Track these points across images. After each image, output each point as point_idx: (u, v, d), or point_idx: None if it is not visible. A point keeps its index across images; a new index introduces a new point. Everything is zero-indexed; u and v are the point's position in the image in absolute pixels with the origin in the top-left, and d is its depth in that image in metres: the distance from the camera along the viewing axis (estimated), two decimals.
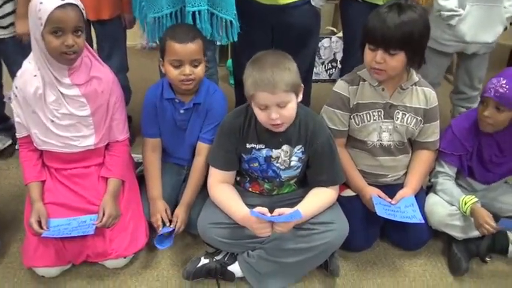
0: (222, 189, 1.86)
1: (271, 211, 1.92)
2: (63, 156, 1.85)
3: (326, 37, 3.50)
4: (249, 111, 1.83)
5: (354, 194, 2.04)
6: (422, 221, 1.89)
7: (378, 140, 1.98)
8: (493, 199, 2.12)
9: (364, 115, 1.96)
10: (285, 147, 1.82)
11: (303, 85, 1.76)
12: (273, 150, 1.83)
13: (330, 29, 3.65)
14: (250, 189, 1.98)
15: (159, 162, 2.07)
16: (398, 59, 1.80)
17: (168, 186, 2.06)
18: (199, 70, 1.89)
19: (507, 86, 1.81)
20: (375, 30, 1.76)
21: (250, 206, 1.84)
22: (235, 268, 1.85)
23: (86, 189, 1.88)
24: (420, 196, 2.04)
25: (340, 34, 3.57)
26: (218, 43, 2.26)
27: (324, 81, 3.49)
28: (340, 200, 1.95)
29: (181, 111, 2.00)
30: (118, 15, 2.34)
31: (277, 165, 1.85)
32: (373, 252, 2.07)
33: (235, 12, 2.04)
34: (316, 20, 2.34)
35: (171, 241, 1.86)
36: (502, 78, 1.83)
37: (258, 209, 1.68)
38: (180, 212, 1.93)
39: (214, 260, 1.86)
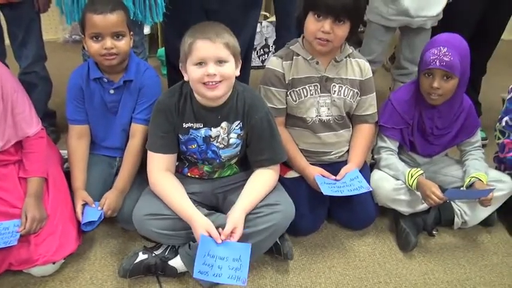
0: (164, 179, 1.72)
1: (212, 198, 1.83)
2: None
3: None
4: (183, 89, 1.73)
5: (297, 175, 1.97)
6: (370, 189, 1.86)
7: (316, 116, 1.93)
8: (436, 172, 2.12)
9: (301, 90, 1.90)
10: (224, 124, 1.73)
11: (241, 61, 1.69)
12: (212, 128, 1.73)
13: (262, 14, 3.56)
14: (189, 174, 1.85)
15: (85, 150, 1.91)
16: (344, 29, 1.76)
17: (98, 181, 1.89)
18: (123, 44, 1.76)
19: (450, 53, 1.79)
20: None
21: (191, 194, 1.76)
22: (176, 262, 1.72)
23: (6, 191, 1.69)
24: (365, 173, 2.00)
25: (272, 19, 3.50)
26: (145, 31, 2.12)
27: (258, 67, 3.41)
28: (284, 182, 1.90)
29: (111, 91, 1.85)
30: None
31: (217, 144, 1.75)
32: (321, 235, 2.01)
33: None
34: None
35: (96, 224, 1.73)
36: (441, 47, 1.80)
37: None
38: (110, 195, 1.78)
39: (153, 255, 1.72)
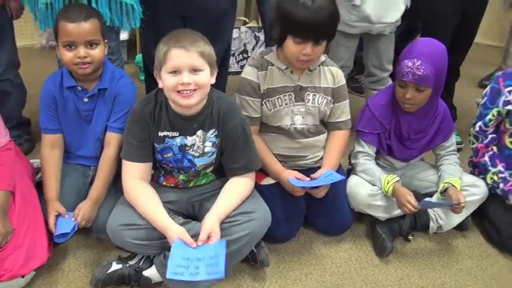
0: (139, 188, 1.71)
1: (188, 206, 1.82)
2: None
3: (234, 27, 3.40)
4: (158, 97, 1.72)
5: (273, 181, 1.97)
6: (344, 177, 1.93)
7: (291, 124, 1.95)
8: (412, 177, 2.14)
9: (276, 100, 1.91)
10: (199, 132, 1.73)
11: (217, 69, 1.69)
12: (188, 137, 1.72)
13: (242, 19, 3.57)
14: (164, 183, 1.84)
15: (58, 160, 1.88)
16: (323, 46, 1.80)
17: (72, 191, 1.85)
18: (97, 52, 1.74)
19: (423, 67, 1.81)
20: (302, 24, 1.71)
21: (167, 203, 1.75)
22: (151, 273, 1.70)
23: None
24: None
25: (251, 24, 3.50)
26: (122, 37, 2.09)
27: (236, 73, 3.39)
28: (261, 189, 1.90)
29: (85, 100, 1.83)
30: (2, 3, 2.09)
31: (192, 153, 1.74)
32: (298, 242, 2.01)
33: None
34: (231, 3, 2.23)
35: (69, 235, 1.70)
36: (416, 60, 1.82)
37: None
38: (84, 205, 1.76)
39: (127, 265, 1.70)
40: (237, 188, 1.75)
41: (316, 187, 1.91)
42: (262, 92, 1.90)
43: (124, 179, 1.73)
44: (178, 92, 1.60)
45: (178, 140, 1.72)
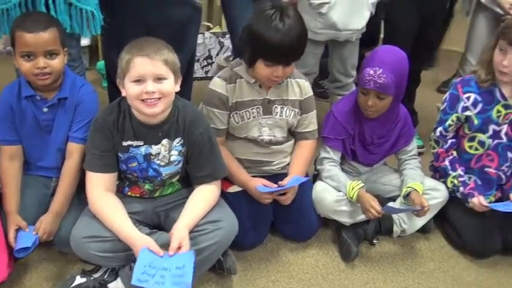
0: (104, 199, 1.67)
1: (154, 216, 1.80)
2: None
3: (199, 33, 3.38)
4: (122, 106, 1.70)
5: (240, 189, 1.97)
6: (307, 178, 1.98)
7: (258, 136, 1.96)
8: (375, 181, 2.17)
9: (244, 113, 1.92)
10: (165, 141, 1.71)
11: (181, 77, 1.68)
12: (153, 146, 1.70)
13: (205, 25, 3.55)
14: (129, 194, 1.81)
15: (17, 172, 1.82)
16: (293, 66, 1.84)
17: (33, 203, 1.80)
18: (57, 62, 1.70)
19: (384, 75, 1.84)
20: (275, 48, 1.72)
21: (132, 213, 1.72)
22: (117, 285, 1.67)
23: None
24: (307, 185, 2.04)
25: (215, 30, 3.49)
26: (84, 43, 2.04)
27: (201, 78, 3.38)
28: (227, 197, 1.90)
29: (45, 110, 1.78)
30: None
31: (158, 162, 1.72)
32: (265, 249, 2.01)
33: (97, 2, 1.86)
34: (195, 11, 2.21)
35: (31, 249, 1.65)
36: (377, 69, 1.85)
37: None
38: (46, 218, 1.71)
39: (92, 278, 1.67)
40: (204, 196, 1.74)
41: (283, 194, 1.92)
42: (230, 105, 1.90)
43: (88, 189, 1.69)
44: (142, 100, 1.58)
45: (143, 149, 1.70)
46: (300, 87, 1.97)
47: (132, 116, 1.68)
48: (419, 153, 2.24)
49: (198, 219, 1.68)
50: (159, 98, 1.58)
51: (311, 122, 2.04)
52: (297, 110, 1.97)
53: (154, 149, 1.70)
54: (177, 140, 1.72)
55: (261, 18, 1.74)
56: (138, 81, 1.57)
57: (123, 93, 1.63)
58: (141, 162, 1.72)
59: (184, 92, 1.94)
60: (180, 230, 1.61)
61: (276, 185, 1.92)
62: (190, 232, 1.64)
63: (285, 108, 1.95)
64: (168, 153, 1.72)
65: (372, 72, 1.86)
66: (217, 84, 1.91)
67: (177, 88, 1.66)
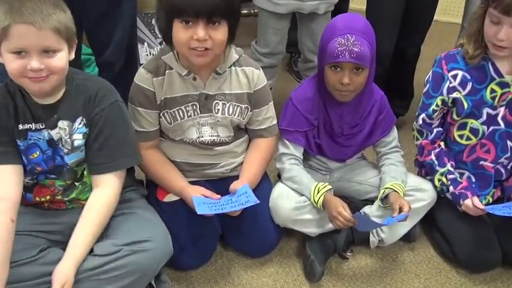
0: None
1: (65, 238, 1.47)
2: None
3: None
4: (10, 87, 1.39)
5: (177, 198, 1.63)
6: (258, 201, 1.53)
7: (198, 137, 1.62)
8: (350, 180, 1.84)
9: (176, 112, 1.59)
10: (62, 123, 1.41)
11: (77, 40, 1.38)
12: (50, 131, 1.40)
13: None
14: (37, 199, 1.49)
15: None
16: (222, 31, 1.44)
17: None
18: None
19: (359, 42, 1.50)
20: None
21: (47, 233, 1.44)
22: None
23: None
24: (266, 189, 1.71)
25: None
26: None
27: None
28: (163, 208, 1.60)
29: None
30: None
31: (62, 148, 1.43)
32: (214, 267, 1.68)
33: None
34: None
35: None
36: (349, 36, 1.50)
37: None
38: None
39: None
40: (99, 202, 1.42)
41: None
42: (158, 102, 1.56)
43: None
44: (26, 77, 1.28)
45: (46, 134, 1.41)
46: (248, 77, 1.61)
47: (26, 95, 1.38)
48: None
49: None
50: (48, 75, 1.29)
51: (266, 118, 1.69)
52: (244, 106, 1.62)
53: (54, 134, 1.41)
54: (78, 120, 1.42)
55: None
56: (19, 53, 1.26)
57: (0, 60, 1.31)
58: (44, 150, 1.42)
59: (128, 79, 1.62)
60: (63, 271, 1.31)
61: (219, 196, 1.58)
62: (103, 256, 1.34)
63: (228, 105, 1.59)
64: (69, 138, 1.42)
65: (343, 41, 1.50)
66: (142, 78, 1.56)
67: (72, 56, 1.36)
